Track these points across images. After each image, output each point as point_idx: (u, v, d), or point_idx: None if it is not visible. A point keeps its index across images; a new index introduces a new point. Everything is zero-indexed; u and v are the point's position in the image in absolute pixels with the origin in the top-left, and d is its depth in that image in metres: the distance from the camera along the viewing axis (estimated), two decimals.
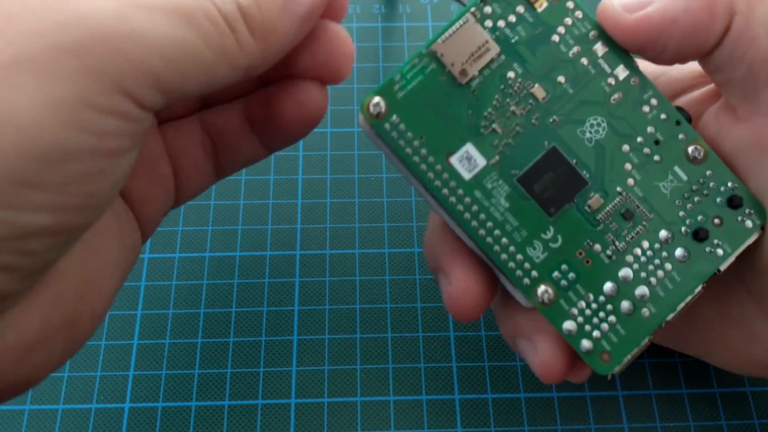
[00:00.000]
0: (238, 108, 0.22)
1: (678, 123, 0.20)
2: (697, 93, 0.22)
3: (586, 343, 0.19)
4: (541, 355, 0.20)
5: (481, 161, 0.20)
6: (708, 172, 0.20)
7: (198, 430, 0.26)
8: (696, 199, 0.20)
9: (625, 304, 0.19)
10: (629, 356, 0.19)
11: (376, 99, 0.19)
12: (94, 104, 0.14)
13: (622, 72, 0.20)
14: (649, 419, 0.27)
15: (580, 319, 0.19)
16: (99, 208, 0.16)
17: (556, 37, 0.20)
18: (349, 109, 0.34)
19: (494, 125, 0.20)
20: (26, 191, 0.13)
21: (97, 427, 0.26)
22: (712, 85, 0.22)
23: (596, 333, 0.19)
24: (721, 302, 0.21)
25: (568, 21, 0.20)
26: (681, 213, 0.20)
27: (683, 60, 0.20)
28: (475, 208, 0.19)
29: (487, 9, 0.20)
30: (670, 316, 0.20)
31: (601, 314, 0.19)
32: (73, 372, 0.27)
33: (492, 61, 0.20)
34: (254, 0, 0.17)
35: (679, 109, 0.20)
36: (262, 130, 0.22)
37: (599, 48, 0.20)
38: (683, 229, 0.20)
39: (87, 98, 0.14)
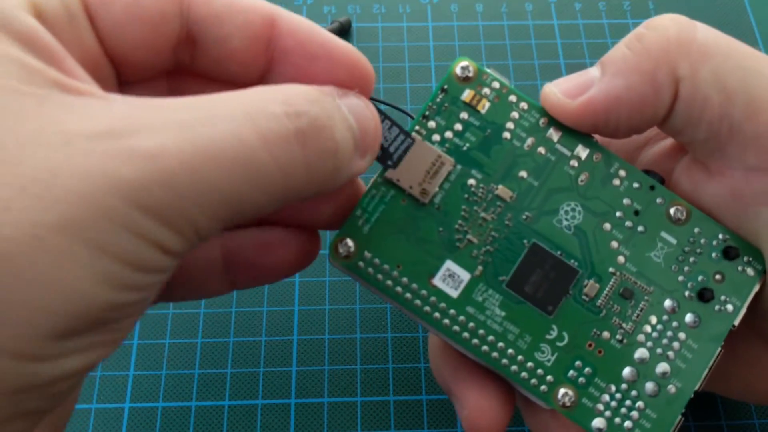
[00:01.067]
0: (215, 243, 0.20)
1: (652, 188, 0.19)
2: (660, 147, 0.22)
3: None
4: None
5: (464, 275, 0.19)
6: (696, 230, 0.19)
7: (198, 430, 0.26)
8: (691, 259, 0.19)
9: (650, 386, 0.19)
10: None
11: (344, 240, 0.19)
12: (143, 266, 0.13)
13: (582, 151, 0.19)
14: None
15: (608, 413, 0.19)
16: (123, 339, 0.15)
17: (507, 134, 0.19)
18: None
19: (468, 236, 0.19)
20: (65, 342, 0.13)
21: (97, 427, 0.26)
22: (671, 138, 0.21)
23: (628, 423, 0.18)
24: (730, 345, 0.21)
25: (515, 115, 0.19)
26: (680, 278, 0.19)
27: (640, 131, 0.19)
28: (471, 325, 0.19)
29: (431, 123, 0.19)
30: (698, 386, 0.19)
31: (628, 402, 0.19)
32: None
33: (449, 173, 0.19)
34: None
35: (650, 172, 0.20)
36: (239, 271, 0.20)
37: (553, 133, 0.19)
38: (687, 293, 0.19)
39: (137, 263, 0.13)
